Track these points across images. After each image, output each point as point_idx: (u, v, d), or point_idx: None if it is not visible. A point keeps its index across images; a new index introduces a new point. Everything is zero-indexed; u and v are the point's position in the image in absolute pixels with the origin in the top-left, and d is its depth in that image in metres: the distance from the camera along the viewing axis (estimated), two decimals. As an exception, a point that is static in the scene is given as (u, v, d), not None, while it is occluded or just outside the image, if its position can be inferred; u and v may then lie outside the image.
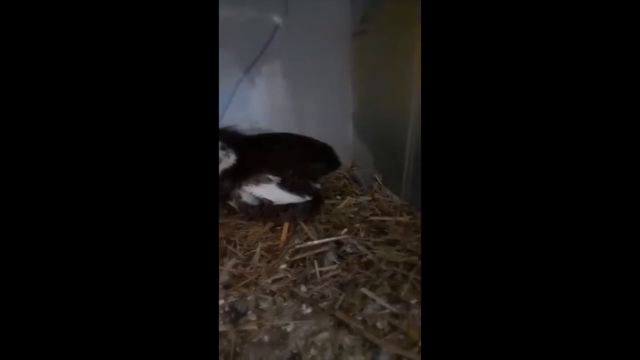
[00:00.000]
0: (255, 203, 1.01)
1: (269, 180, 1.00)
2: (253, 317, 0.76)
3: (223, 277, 0.91)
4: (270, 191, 0.99)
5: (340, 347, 0.68)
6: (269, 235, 1.13)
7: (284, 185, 1.00)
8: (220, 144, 1.03)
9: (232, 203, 1.05)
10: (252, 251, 1.02)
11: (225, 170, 1.03)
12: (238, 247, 1.05)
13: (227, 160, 1.03)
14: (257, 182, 0.99)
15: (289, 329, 0.73)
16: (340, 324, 0.73)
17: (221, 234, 1.13)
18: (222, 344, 0.69)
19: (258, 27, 1.55)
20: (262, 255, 1.00)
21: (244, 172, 1.01)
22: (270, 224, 1.16)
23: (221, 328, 0.74)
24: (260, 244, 1.04)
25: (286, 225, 1.09)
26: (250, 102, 1.64)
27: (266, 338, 0.71)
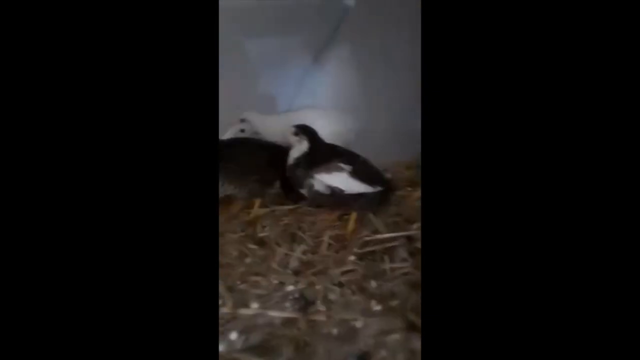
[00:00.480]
0: (326, 191, 1.00)
1: (341, 169, 0.97)
2: (322, 308, 0.76)
3: (293, 263, 0.93)
4: (342, 180, 0.97)
5: (412, 352, 0.65)
6: (336, 223, 1.12)
7: (355, 174, 0.97)
8: (294, 129, 1.03)
9: (303, 191, 1.05)
10: (320, 239, 1.02)
11: (298, 158, 1.03)
12: (307, 233, 1.06)
13: (300, 147, 1.03)
14: (329, 171, 0.98)
15: (358, 324, 0.71)
16: (412, 327, 0.69)
17: (289, 220, 1.15)
18: (292, 332, 0.70)
19: (328, 10, 1.50)
20: (329, 244, 1.00)
21: (315, 160, 1.00)
22: (337, 212, 1.15)
23: (290, 314, 0.75)
24: (328, 232, 1.04)
25: (354, 215, 1.07)
26: (318, 89, 1.62)
27: (335, 331, 0.70)
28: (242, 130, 1.34)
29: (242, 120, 1.33)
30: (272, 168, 1.13)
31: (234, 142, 1.24)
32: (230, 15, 1.47)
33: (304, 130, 1.04)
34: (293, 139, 1.03)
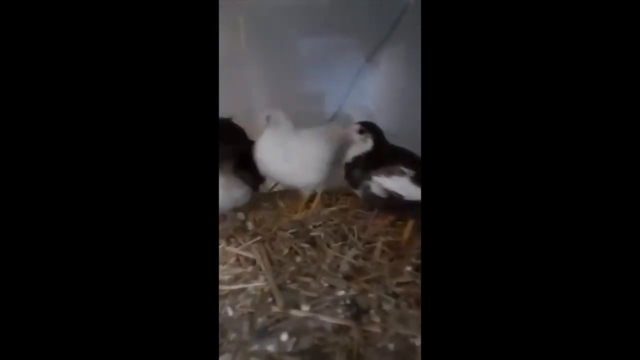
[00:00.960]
0: (383, 195, 0.95)
1: (402, 173, 0.92)
2: (377, 319, 0.72)
3: (343, 267, 0.89)
4: (402, 185, 0.92)
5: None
6: (389, 229, 1.07)
7: (417, 180, 0.91)
8: (358, 127, 0.99)
9: (357, 192, 1.01)
10: (372, 244, 0.98)
11: (358, 157, 0.99)
12: (357, 236, 1.02)
13: (363, 145, 0.99)
14: (390, 174, 0.93)
15: (417, 342, 0.66)
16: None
17: (339, 220, 1.11)
18: (345, 340, 0.67)
19: (386, 9, 1.45)
20: (383, 251, 0.95)
21: (377, 162, 0.96)
22: (391, 218, 1.09)
23: (342, 321, 0.71)
24: (381, 238, 0.99)
25: (411, 223, 1.01)
26: (371, 89, 1.57)
27: (391, 346, 0.66)
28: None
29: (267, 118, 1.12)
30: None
31: None
32: (283, 14, 1.48)
33: (370, 129, 0.99)
34: (356, 137, 0.99)
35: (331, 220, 1.12)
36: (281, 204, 1.27)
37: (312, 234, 1.04)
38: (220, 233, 1.06)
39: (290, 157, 1.05)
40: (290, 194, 1.31)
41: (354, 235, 1.03)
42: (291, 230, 1.06)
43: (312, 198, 1.22)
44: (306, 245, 0.98)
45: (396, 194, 0.92)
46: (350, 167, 1.00)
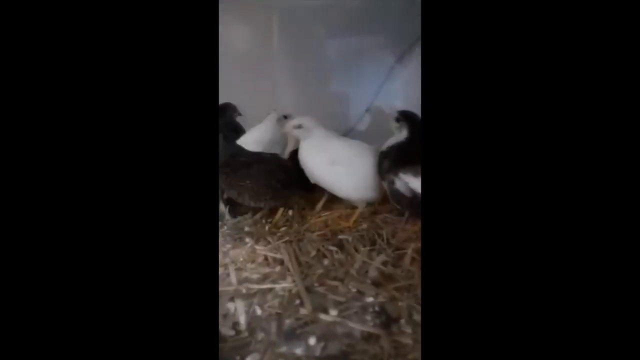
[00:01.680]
0: (407, 194, 0.92)
1: None
2: (408, 329, 0.70)
3: (372, 273, 0.88)
4: None
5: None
6: (419, 235, 1.04)
7: None
8: (397, 114, 0.95)
9: (384, 183, 0.98)
10: (402, 251, 0.95)
11: (392, 147, 0.94)
12: (387, 242, 1.00)
13: (397, 135, 0.94)
14: (417, 173, 0.89)
15: (451, 357, 0.63)
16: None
17: (368, 224, 1.10)
18: (375, 349, 0.65)
19: (416, 8, 1.41)
20: (413, 258, 0.93)
21: (408, 156, 0.91)
22: (419, 224, 1.06)
23: (370, 329, 0.70)
24: (412, 245, 0.96)
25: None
26: (400, 90, 1.54)
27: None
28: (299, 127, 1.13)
29: (299, 126, 1.09)
30: None
31: None
32: (313, 14, 1.47)
33: (407, 117, 0.93)
34: (394, 125, 0.96)
35: (359, 224, 1.10)
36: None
37: (340, 237, 1.03)
38: (254, 232, 1.08)
39: (335, 161, 1.05)
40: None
41: (383, 240, 1.01)
42: (318, 233, 1.06)
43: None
44: (334, 249, 0.97)
45: (420, 195, 0.89)
46: (383, 156, 0.97)
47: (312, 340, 0.67)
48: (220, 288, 0.82)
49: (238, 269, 0.90)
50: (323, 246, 0.98)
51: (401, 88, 1.56)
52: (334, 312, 0.74)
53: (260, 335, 0.69)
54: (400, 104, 1.49)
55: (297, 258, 0.93)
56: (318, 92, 1.60)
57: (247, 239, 1.04)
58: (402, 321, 0.72)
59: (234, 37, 1.52)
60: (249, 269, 0.90)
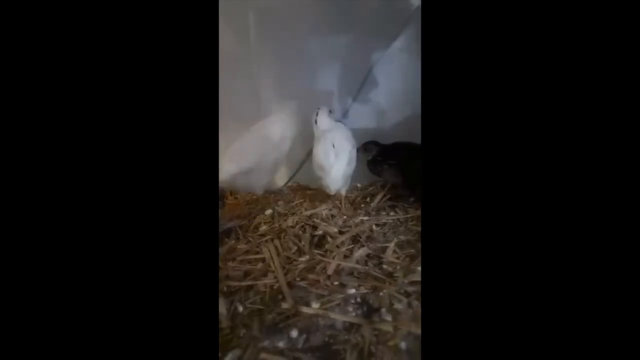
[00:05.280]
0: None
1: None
2: (388, 317, 0.70)
3: (354, 265, 0.88)
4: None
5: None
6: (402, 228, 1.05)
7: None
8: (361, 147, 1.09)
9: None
10: (384, 245, 0.96)
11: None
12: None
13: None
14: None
15: (430, 342, 0.64)
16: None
17: (349, 216, 1.10)
18: (356, 338, 0.66)
19: (398, 6, 1.43)
20: (394, 251, 0.93)
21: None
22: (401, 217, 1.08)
23: (352, 319, 0.70)
24: (395, 239, 0.97)
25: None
26: (381, 89, 1.56)
27: (403, 345, 0.64)
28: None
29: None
30: None
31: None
32: (293, 9, 1.47)
33: (373, 144, 1.23)
34: (362, 155, 1.08)
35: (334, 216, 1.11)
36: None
37: (321, 230, 1.03)
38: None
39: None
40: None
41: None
42: (299, 226, 1.06)
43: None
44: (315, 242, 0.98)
45: None
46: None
47: (294, 333, 0.67)
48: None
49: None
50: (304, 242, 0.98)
51: (382, 86, 1.57)
52: (315, 305, 0.74)
53: (242, 332, 0.69)
54: (383, 101, 1.51)
55: (278, 254, 0.93)
56: (297, 89, 1.60)
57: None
58: (383, 310, 0.72)
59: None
60: (230, 268, 0.89)
